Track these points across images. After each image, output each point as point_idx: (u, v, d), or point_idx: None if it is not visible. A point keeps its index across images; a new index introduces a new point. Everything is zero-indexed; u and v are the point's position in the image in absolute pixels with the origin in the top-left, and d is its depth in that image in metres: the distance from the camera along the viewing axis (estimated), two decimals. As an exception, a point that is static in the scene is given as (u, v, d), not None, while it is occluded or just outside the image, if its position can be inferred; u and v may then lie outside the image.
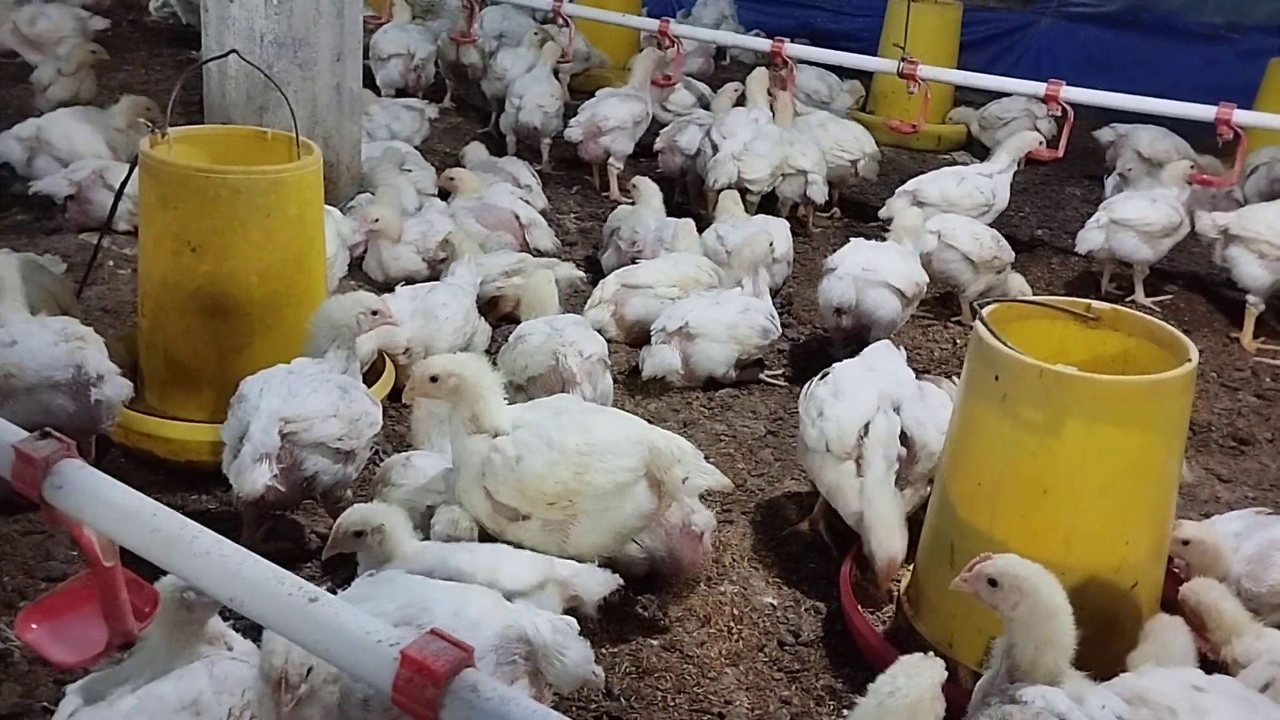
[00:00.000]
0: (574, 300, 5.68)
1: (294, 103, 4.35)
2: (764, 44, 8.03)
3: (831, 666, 3.56)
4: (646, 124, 7.71)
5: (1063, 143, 7.11)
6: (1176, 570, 3.53)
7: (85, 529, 2.20)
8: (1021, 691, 2.67)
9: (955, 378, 4.25)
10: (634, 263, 5.88)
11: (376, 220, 5.64)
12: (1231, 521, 3.73)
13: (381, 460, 4.02)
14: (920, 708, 2.37)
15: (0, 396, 3.69)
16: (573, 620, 3.00)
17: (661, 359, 5.12)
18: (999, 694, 2.73)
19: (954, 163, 8.52)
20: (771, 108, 7.35)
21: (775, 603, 3.84)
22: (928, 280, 5.62)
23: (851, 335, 5.41)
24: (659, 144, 7.62)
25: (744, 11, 11.60)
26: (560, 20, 8.78)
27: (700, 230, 6.16)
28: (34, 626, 2.32)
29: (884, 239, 5.80)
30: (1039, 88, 7.11)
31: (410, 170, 6.59)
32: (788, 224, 6.40)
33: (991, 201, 6.67)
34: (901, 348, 4.36)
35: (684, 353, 5.13)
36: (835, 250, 5.66)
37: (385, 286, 5.44)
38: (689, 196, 7.56)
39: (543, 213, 6.56)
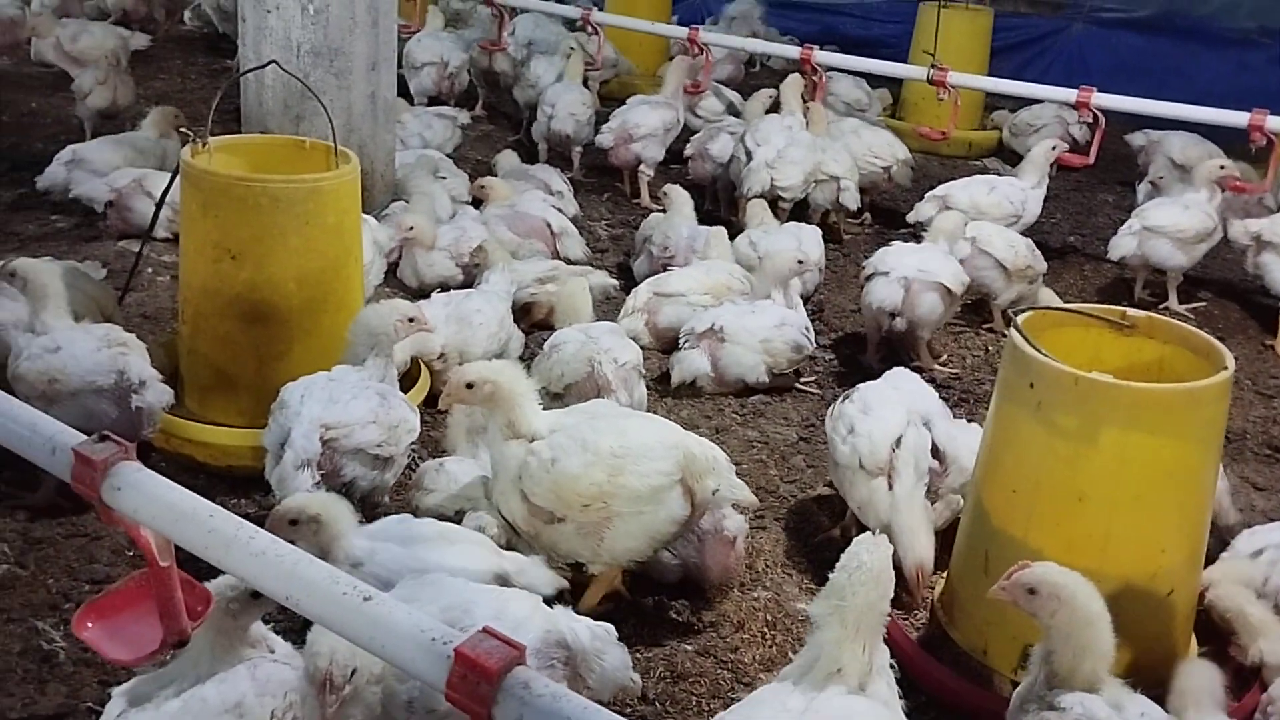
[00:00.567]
0: (606, 308, 5.70)
1: (330, 112, 4.39)
2: (793, 51, 8.06)
3: (865, 673, 3.56)
4: (677, 131, 7.74)
5: (1094, 149, 7.09)
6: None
7: (143, 529, 2.25)
8: (1060, 698, 2.69)
9: (981, 409, 4.24)
10: (666, 270, 5.90)
11: (411, 228, 5.69)
12: (1274, 532, 3.71)
13: (417, 466, 4.06)
14: (883, 577, 2.62)
15: (44, 402, 3.74)
16: (610, 626, 3.02)
17: (690, 364, 5.13)
18: (1038, 701, 2.75)
19: (985, 170, 8.50)
20: (804, 114, 7.36)
21: (808, 608, 3.83)
22: (969, 280, 5.63)
23: (896, 339, 5.39)
24: (689, 151, 7.63)
25: (771, 17, 11.60)
26: (590, 28, 8.83)
27: (731, 237, 6.18)
28: (90, 625, 2.37)
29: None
30: (1070, 94, 7.10)
31: (445, 178, 6.64)
32: (819, 231, 6.40)
33: (1020, 213, 6.62)
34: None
35: (713, 356, 5.13)
36: (867, 257, 5.67)
37: (420, 293, 5.48)
38: (719, 204, 7.57)
39: (574, 220, 6.60)
